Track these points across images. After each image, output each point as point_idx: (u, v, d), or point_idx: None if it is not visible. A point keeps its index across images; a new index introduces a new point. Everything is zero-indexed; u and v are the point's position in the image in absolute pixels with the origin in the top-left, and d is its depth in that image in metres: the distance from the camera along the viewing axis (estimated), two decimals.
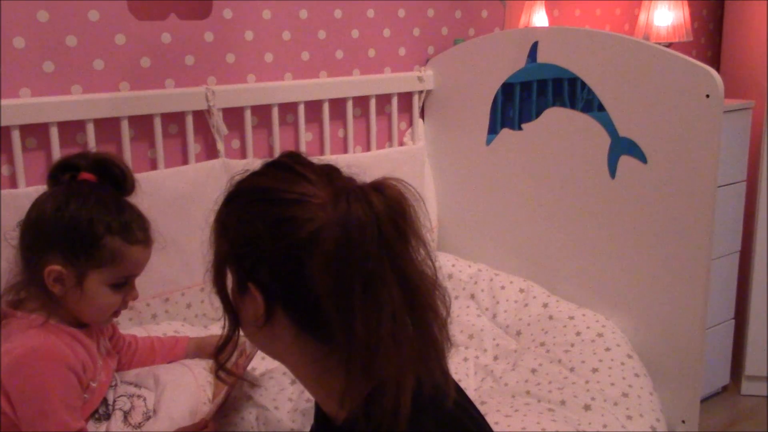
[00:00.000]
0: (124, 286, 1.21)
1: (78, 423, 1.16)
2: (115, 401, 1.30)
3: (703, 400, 2.36)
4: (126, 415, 1.29)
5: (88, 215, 1.15)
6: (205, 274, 0.89)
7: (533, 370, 1.63)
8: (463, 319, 1.86)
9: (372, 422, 0.80)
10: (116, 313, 1.25)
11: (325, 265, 0.79)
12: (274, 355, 0.93)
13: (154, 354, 1.45)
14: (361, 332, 0.78)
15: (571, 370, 1.61)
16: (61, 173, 1.22)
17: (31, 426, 1.11)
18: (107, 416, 1.27)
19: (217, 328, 1.73)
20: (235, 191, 0.89)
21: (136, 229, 1.20)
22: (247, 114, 1.90)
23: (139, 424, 1.29)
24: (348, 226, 0.78)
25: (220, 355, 0.93)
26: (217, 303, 0.91)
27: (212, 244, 0.89)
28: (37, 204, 1.19)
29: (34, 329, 1.15)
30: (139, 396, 1.34)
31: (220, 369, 0.99)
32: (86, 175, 1.21)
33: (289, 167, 0.87)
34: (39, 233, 1.17)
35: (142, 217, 1.23)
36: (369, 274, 0.78)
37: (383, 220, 0.79)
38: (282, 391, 1.45)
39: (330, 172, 0.87)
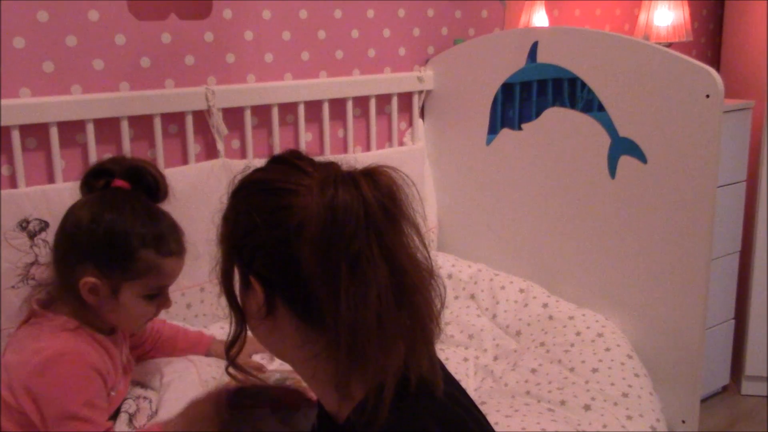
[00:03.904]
0: (158, 297, 1.22)
1: (106, 423, 1.16)
2: (121, 404, 1.31)
3: (703, 400, 2.36)
4: (131, 417, 1.29)
5: (122, 228, 1.15)
6: (211, 272, 0.90)
7: (533, 370, 1.63)
8: (463, 319, 1.86)
9: (363, 415, 0.80)
10: (150, 320, 1.26)
11: (313, 248, 0.79)
12: (278, 352, 0.94)
13: (175, 346, 1.46)
14: (346, 313, 0.78)
15: (571, 370, 1.61)
16: (95, 179, 1.21)
17: (57, 426, 1.10)
18: (112, 418, 1.27)
19: (216, 328, 1.72)
20: (236, 187, 0.90)
21: (170, 241, 1.20)
22: (247, 114, 1.90)
23: (143, 426, 1.29)
24: (334, 209, 0.79)
25: (230, 351, 0.93)
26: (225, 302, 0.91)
27: (218, 240, 0.89)
28: (73, 212, 1.19)
29: (65, 332, 1.15)
30: (144, 398, 1.35)
31: (230, 365, 0.98)
32: (120, 182, 1.20)
33: (287, 161, 0.88)
34: (74, 243, 1.17)
35: (175, 227, 1.22)
36: (355, 256, 0.78)
37: (371, 202, 0.79)
38: None
39: (329, 165, 0.87)
